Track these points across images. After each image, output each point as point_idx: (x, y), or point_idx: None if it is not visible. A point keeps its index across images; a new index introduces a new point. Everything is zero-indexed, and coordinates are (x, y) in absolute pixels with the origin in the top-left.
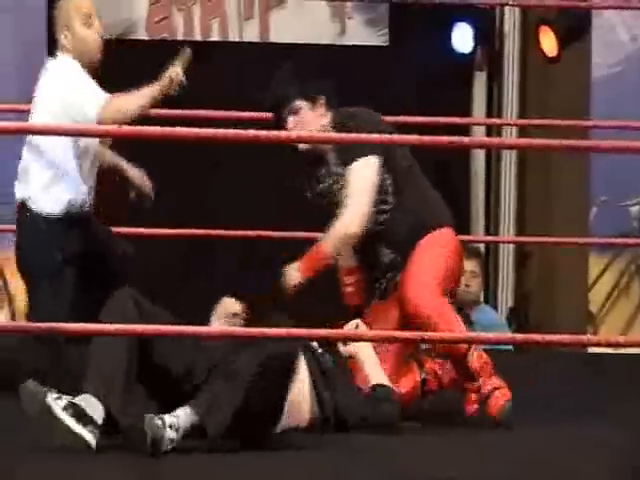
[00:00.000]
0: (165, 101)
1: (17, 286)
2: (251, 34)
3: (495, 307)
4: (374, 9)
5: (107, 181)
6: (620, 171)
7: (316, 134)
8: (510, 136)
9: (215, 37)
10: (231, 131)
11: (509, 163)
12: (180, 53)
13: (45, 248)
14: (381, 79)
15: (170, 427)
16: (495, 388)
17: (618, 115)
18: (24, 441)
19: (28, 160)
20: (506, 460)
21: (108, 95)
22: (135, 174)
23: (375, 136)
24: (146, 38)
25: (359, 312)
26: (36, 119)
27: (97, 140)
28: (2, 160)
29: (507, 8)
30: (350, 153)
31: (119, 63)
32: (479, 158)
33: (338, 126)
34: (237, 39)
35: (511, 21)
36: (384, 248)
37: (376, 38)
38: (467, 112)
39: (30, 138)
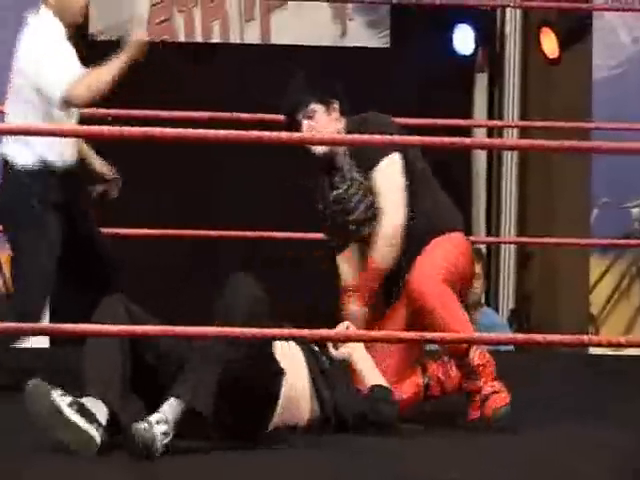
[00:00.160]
0: (166, 103)
1: None
2: (252, 36)
3: (496, 308)
4: (375, 11)
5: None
6: (621, 173)
7: (318, 135)
8: (511, 137)
9: (216, 39)
10: (233, 132)
11: (510, 164)
12: (133, 17)
13: (24, 199)
14: (382, 81)
15: (158, 423)
16: (494, 392)
17: (619, 117)
18: (21, 442)
19: (7, 116)
20: (507, 461)
21: (80, 71)
22: (103, 168)
23: (378, 137)
24: (147, 40)
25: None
26: (15, 80)
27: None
28: None
29: (508, 10)
30: (369, 155)
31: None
32: (480, 159)
33: (351, 131)
34: (238, 41)
35: (512, 23)
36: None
37: (377, 40)
38: (468, 114)
39: (9, 93)
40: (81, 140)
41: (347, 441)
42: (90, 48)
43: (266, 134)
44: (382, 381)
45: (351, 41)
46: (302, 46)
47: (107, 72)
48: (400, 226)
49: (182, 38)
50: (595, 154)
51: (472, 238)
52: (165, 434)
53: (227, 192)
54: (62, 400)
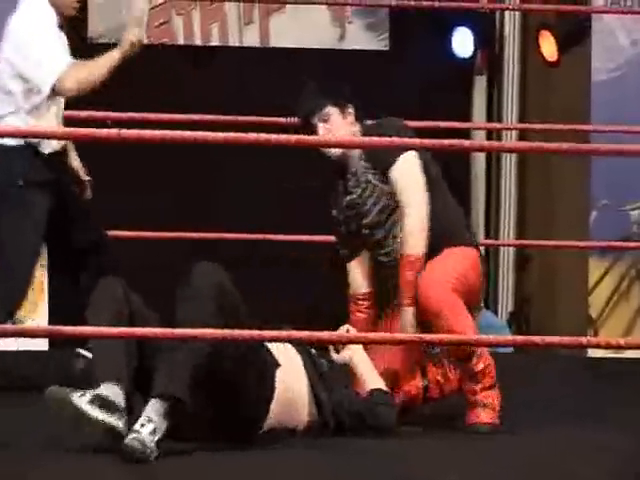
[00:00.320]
0: (165, 105)
1: None
2: (251, 39)
3: (495, 311)
4: (374, 14)
5: None
6: (620, 175)
7: (319, 138)
8: (510, 140)
9: (215, 42)
10: (231, 134)
11: (509, 167)
12: (131, 16)
13: (8, 178)
14: (381, 84)
15: (143, 426)
16: (484, 405)
17: (618, 119)
18: (20, 443)
19: None
20: (506, 464)
21: (70, 61)
22: (79, 169)
23: (382, 139)
24: (146, 42)
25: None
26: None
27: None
28: None
29: (507, 12)
30: (385, 155)
31: (118, 67)
32: (479, 162)
33: (367, 135)
34: (237, 44)
35: (511, 25)
36: None
37: (376, 43)
38: (467, 116)
39: None
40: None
41: (346, 443)
42: (89, 51)
43: (264, 136)
44: (381, 385)
45: (350, 44)
46: (301, 49)
47: (100, 66)
48: (426, 216)
49: (181, 41)
50: (594, 157)
51: None
52: (153, 433)
53: (228, 192)
54: (82, 400)
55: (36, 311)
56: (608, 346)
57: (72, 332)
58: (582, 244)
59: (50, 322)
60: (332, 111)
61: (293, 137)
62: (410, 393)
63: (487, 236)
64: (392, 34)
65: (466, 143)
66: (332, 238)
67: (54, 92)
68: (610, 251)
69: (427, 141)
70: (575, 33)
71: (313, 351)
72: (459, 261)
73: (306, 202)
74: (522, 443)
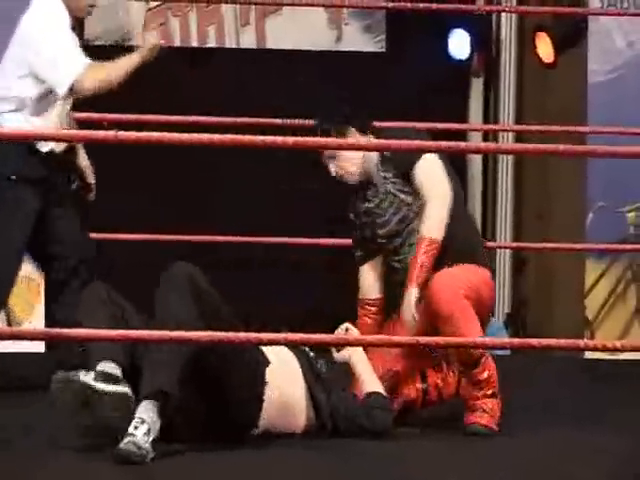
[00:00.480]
0: (162, 107)
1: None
2: (248, 40)
3: (492, 313)
4: (371, 15)
5: None
6: (617, 177)
7: (317, 140)
8: (507, 142)
9: (212, 43)
10: (228, 136)
11: (506, 169)
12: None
13: (4, 164)
14: (378, 85)
15: (136, 428)
16: (484, 410)
17: (615, 121)
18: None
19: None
20: (505, 466)
21: (86, 61)
22: (86, 169)
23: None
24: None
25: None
26: (6, 64)
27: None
28: None
29: (504, 14)
30: (405, 158)
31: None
32: (476, 164)
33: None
34: (234, 45)
35: (508, 27)
36: None
37: (373, 44)
38: (464, 118)
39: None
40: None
41: (344, 445)
42: (86, 52)
43: (260, 138)
44: (379, 388)
45: (347, 46)
46: (298, 51)
47: (119, 68)
48: (448, 208)
49: (178, 43)
50: (590, 158)
51: None
52: (147, 433)
53: (224, 194)
54: (88, 377)
55: (32, 313)
56: (605, 349)
57: (68, 335)
58: (579, 246)
59: (47, 324)
60: (348, 129)
61: (290, 139)
62: (410, 396)
63: (484, 238)
64: (389, 36)
65: (462, 145)
66: (329, 241)
67: (72, 92)
68: (607, 253)
69: (424, 143)
70: (571, 35)
71: (311, 354)
72: (472, 274)
73: (303, 204)
74: (520, 445)
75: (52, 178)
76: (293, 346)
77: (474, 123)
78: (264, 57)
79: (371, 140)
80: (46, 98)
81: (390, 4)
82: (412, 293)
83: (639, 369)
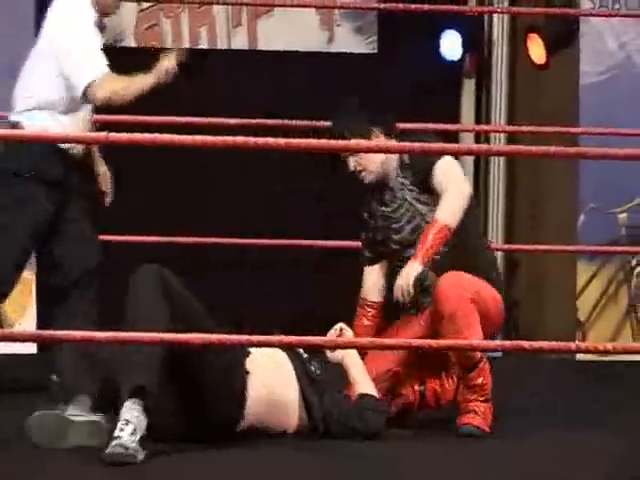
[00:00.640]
0: (154, 108)
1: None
2: (239, 42)
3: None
4: (362, 17)
5: None
6: (608, 178)
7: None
8: (499, 143)
9: (204, 45)
10: (220, 138)
11: (497, 170)
12: (176, 52)
13: (14, 165)
14: (370, 86)
15: (121, 430)
16: (476, 412)
17: (607, 122)
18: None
19: (19, 87)
20: (498, 468)
21: (105, 69)
22: (103, 172)
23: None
24: (134, 46)
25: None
26: (35, 62)
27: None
28: None
29: (495, 15)
30: (424, 161)
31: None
32: (467, 165)
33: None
34: (225, 47)
35: (500, 28)
36: None
37: (364, 46)
38: (456, 119)
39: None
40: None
41: (337, 446)
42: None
43: (252, 140)
44: (372, 389)
45: (338, 47)
46: (289, 52)
47: (134, 86)
48: (465, 199)
49: (169, 44)
50: (582, 160)
51: None
52: (134, 433)
53: (217, 195)
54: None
55: (24, 315)
56: (597, 351)
57: (60, 337)
58: (571, 248)
59: (38, 326)
60: (370, 132)
61: (282, 140)
62: (407, 398)
63: None
64: (380, 37)
65: (454, 147)
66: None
67: (84, 96)
68: (598, 254)
69: (416, 144)
70: (563, 36)
71: (305, 355)
72: (482, 286)
73: (296, 205)
74: (513, 447)
75: (68, 180)
76: (287, 348)
77: (466, 124)
78: (256, 58)
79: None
80: (74, 97)
81: (382, 5)
82: (414, 267)
83: (631, 370)
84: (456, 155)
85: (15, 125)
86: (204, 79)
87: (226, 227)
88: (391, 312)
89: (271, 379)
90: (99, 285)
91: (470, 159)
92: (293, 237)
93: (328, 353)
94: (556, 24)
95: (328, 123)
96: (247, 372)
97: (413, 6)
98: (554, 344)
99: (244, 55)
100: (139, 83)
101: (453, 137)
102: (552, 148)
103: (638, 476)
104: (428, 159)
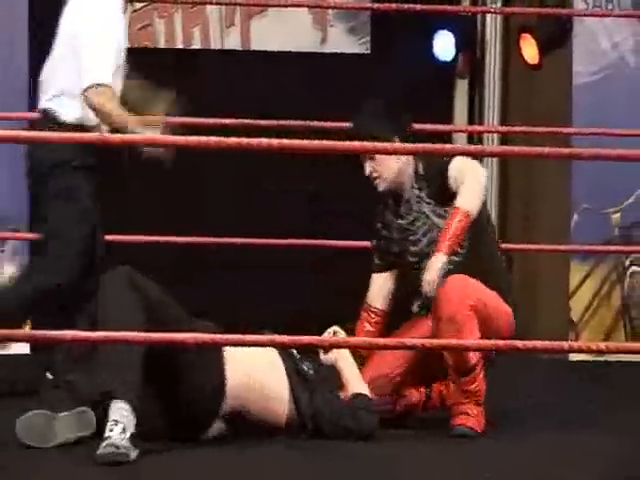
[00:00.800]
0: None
1: None
2: (233, 42)
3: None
4: (355, 17)
5: None
6: (601, 179)
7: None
8: (492, 144)
9: (197, 45)
10: (213, 138)
11: (490, 171)
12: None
13: (57, 155)
14: (363, 87)
15: (111, 430)
16: (468, 414)
17: (600, 122)
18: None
19: (48, 71)
20: (491, 469)
21: (108, 81)
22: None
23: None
24: (128, 46)
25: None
26: (59, 48)
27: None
28: None
29: (488, 16)
30: (440, 164)
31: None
32: None
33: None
34: (219, 47)
35: (493, 28)
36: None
37: (358, 46)
38: (449, 120)
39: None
40: None
41: (331, 446)
42: None
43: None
44: (365, 390)
45: (331, 47)
46: (282, 52)
47: (122, 120)
48: (483, 187)
49: (163, 44)
50: (575, 160)
51: None
52: (123, 432)
53: (210, 195)
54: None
55: None
56: (590, 350)
57: (54, 337)
58: (564, 248)
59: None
60: (388, 137)
61: (274, 141)
62: (413, 398)
63: None
64: (373, 37)
65: (447, 147)
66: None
67: (83, 95)
68: (591, 254)
69: (409, 146)
70: (556, 36)
71: (297, 354)
72: (491, 299)
73: (289, 205)
74: (507, 448)
75: (100, 167)
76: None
77: (459, 124)
78: (249, 58)
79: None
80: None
81: (375, 5)
82: (440, 259)
83: (624, 370)
84: (449, 156)
85: (45, 112)
86: (197, 79)
87: (220, 227)
88: (400, 316)
89: (252, 366)
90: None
91: None
92: (287, 237)
93: (321, 355)
94: (549, 24)
95: (322, 123)
96: (224, 357)
97: (406, 6)
98: (547, 343)
99: (237, 55)
100: (128, 121)
101: (446, 137)
102: (546, 149)
103: (632, 476)
104: (441, 164)
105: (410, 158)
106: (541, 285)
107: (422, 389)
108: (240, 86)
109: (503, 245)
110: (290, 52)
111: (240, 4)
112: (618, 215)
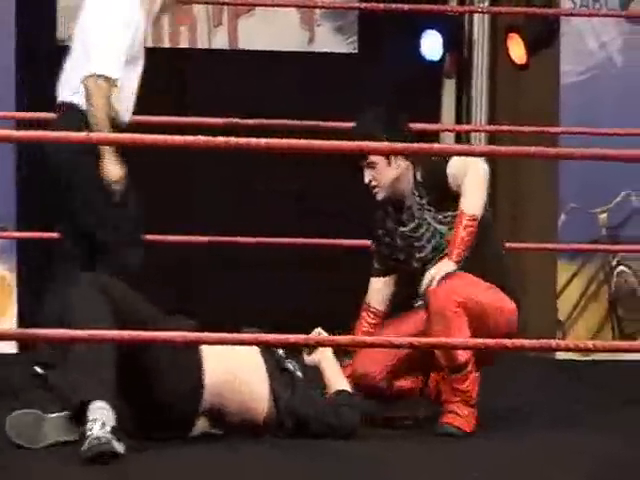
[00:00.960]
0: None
1: None
2: (220, 41)
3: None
4: (343, 16)
5: None
6: (589, 178)
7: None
8: (479, 143)
9: (184, 44)
10: (202, 138)
11: None
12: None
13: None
14: (350, 86)
15: (90, 429)
16: (458, 414)
17: (588, 122)
18: None
19: (68, 65)
20: (480, 468)
21: (109, 75)
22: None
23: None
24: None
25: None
26: (80, 41)
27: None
28: None
29: (476, 15)
30: (438, 172)
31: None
32: None
33: (424, 174)
34: (206, 46)
35: (480, 28)
36: None
37: (345, 45)
38: (436, 119)
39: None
40: None
41: (318, 445)
42: (58, 53)
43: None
44: (347, 386)
45: (319, 47)
46: (270, 51)
47: (102, 126)
48: (485, 181)
49: (150, 44)
50: (562, 160)
51: None
52: (103, 426)
53: (199, 194)
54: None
55: (5, 313)
56: (577, 349)
57: (41, 335)
58: (551, 246)
59: (19, 324)
60: (378, 159)
61: (262, 141)
62: (408, 384)
63: None
64: (361, 37)
65: (435, 147)
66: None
67: (83, 83)
68: (579, 254)
69: (398, 145)
70: (544, 36)
71: (280, 352)
72: (487, 296)
73: (278, 204)
74: (496, 447)
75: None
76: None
77: (447, 124)
78: (236, 58)
79: (408, 162)
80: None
81: (362, 5)
82: (447, 264)
83: (611, 369)
84: (438, 156)
85: (70, 105)
86: (185, 78)
87: (211, 226)
88: (402, 307)
89: (232, 363)
90: None
91: None
92: (276, 236)
93: (305, 357)
94: (536, 24)
95: (310, 122)
96: (201, 355)
97: (393, 6)
98: (535, 342)
99: (225, 55)
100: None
101: (434, 137)
102: (533, 148)
103: (619, 475)
104: (439, 167)
105: (409, 164)
106: (529, 284)
107: (420, 377)
108: (228, 85)
109: None
110: (278, 51)
111: (228, 3)
112: (605, 215)
